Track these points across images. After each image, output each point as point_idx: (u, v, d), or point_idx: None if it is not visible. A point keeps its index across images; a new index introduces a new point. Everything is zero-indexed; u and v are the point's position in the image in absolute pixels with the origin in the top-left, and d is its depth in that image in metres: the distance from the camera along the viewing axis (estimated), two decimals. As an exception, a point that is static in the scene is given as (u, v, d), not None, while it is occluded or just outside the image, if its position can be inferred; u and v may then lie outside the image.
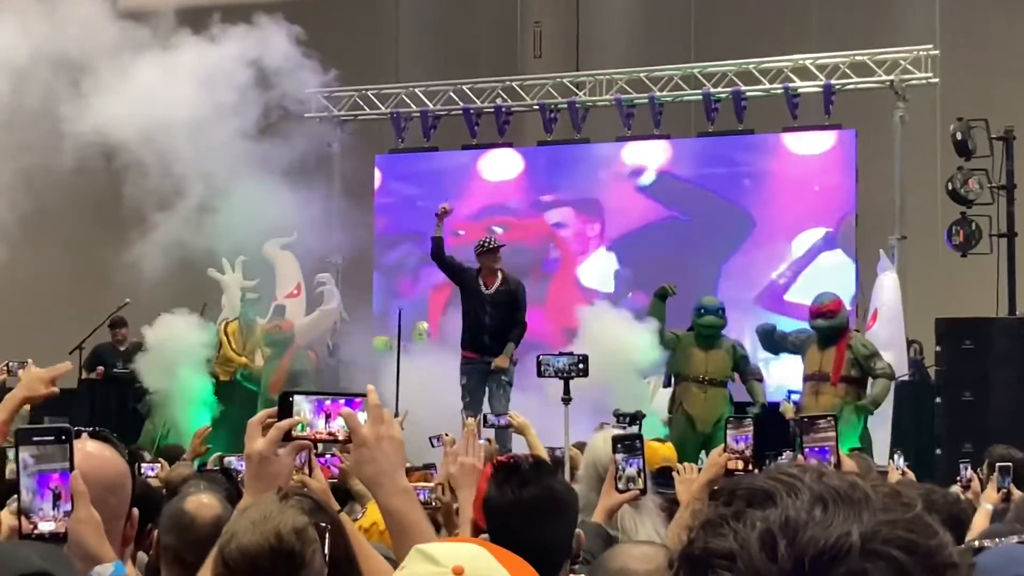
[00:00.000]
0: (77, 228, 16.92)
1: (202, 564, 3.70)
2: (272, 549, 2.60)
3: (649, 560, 2.77)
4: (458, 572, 2.00)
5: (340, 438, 2.84)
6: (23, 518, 2.66)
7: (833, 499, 1.23)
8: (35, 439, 2.70)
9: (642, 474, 4.62)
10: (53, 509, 2.68)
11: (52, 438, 2.70)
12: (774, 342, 13.46)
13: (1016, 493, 7.08)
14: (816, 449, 4.84)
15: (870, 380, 12.74)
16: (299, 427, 2.81)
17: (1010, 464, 7.36)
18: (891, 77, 16.27)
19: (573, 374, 11.16)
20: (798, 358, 13.19)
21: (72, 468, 2.69)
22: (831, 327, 12.69)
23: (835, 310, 12.76)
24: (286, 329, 15.82)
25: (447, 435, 9.77)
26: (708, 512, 1.27)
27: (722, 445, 5.22)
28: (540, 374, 11.26)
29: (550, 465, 3.50)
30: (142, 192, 14.85)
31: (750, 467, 5.28)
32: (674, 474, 6.09)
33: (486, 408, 13.23)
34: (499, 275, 13.67)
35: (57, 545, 2.66)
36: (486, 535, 3.39)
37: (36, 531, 2.67)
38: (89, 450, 2.99)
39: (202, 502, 4.05)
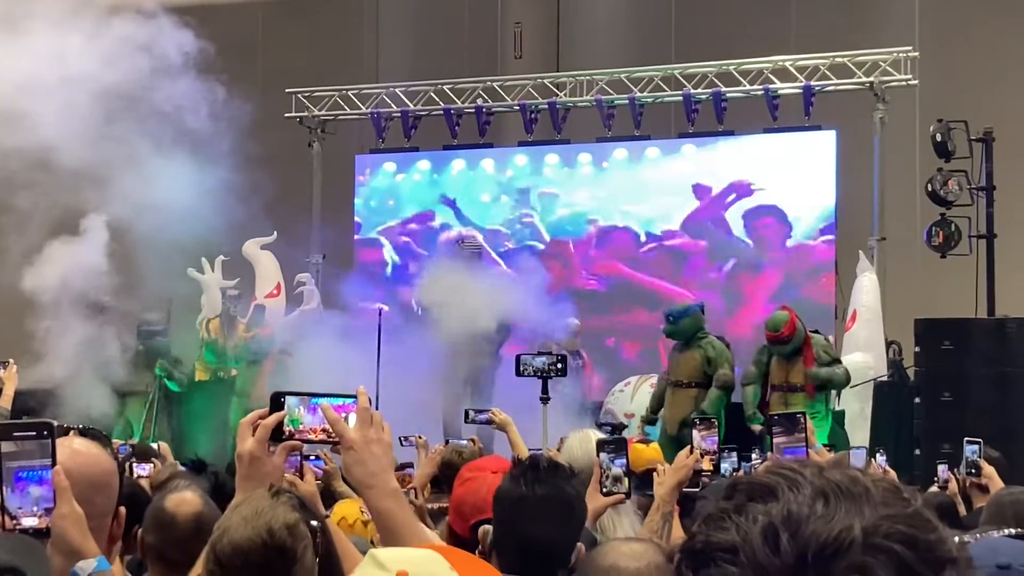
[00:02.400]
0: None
1: (185, 561, 3.71)
2: (264, 544, 2.61)
3: (639, 557, 2.77)
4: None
5: (332, 438, 2.84)
6: (4, 514, 2.65)
7: (835, 493, 1.23)
8: (16, 435, 2.69)
9: (627, 475, 4.63)
10: (35, 505, 2.68)
11: (34, 433, 2.69)
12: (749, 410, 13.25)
13: (992, 477, 7.16)
14: (795, 449, 4.85)
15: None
16: (291, 423, 2.81)
17: (979, 440, 7.46)
18: (871, 79, 16.33)
19: (552, 373, 11.22)
20: None
21: (54, 464, 2.69)
22: (790, 351, 12.73)
23: (790, 335, 12.74)
24: (266, 336, 15.72)
25: (420, 437, 9.81)
26: (710, 506, 1.28)
27: (688, 447, 5.24)
28: (519, 373, 11.32)
29: (569, 470, 3.52)
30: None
31: (717, 469, 5.31)
32: (654, 475, 6.12)
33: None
34: None
35: (40, 541, 2.66)
36: (487, 527, 3.40)
37: (18, 527, 2.67)
38: (76, 447, 2.98)
39: (183, 499, 4.04)
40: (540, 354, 11.51)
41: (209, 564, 2.63)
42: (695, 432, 5.24)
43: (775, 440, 4.94)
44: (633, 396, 15.23)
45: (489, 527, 3.44)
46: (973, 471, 7.29)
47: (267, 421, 2.81)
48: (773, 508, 1.23)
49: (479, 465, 3.82)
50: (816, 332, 13.10)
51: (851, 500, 1.23)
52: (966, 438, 7.54)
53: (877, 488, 1.25)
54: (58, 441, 2.73)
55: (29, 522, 2.67)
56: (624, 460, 4.69)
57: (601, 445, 4.78)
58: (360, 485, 2.82)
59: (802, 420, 4.98)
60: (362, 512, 5.93)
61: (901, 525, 1.22)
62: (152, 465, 8.51)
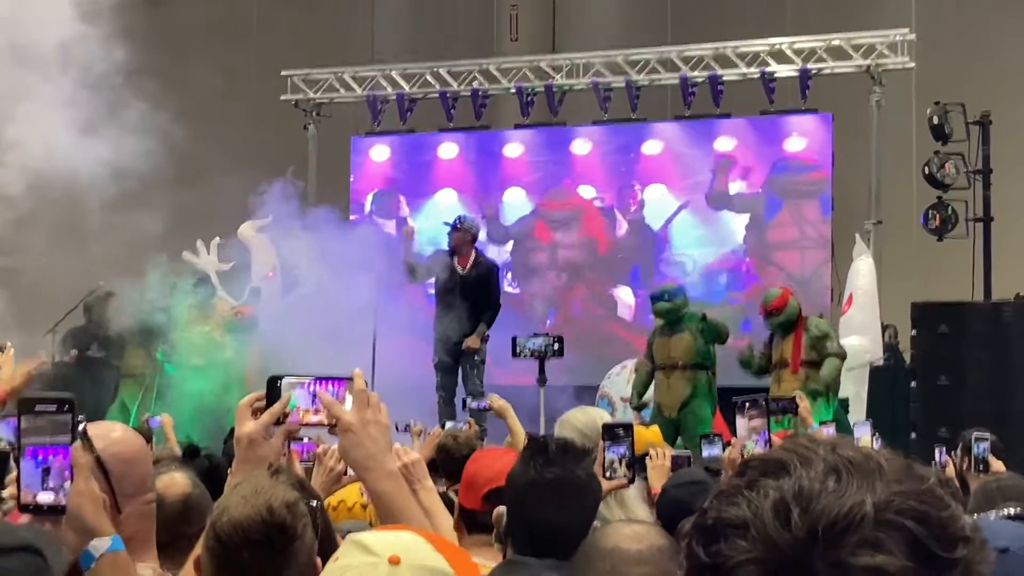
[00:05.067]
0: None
1: (171, 543, 3.71)
2: (264, 522, 2.60)
3: (640, 538, 2.76)
4: (394, 562, 1.98)
5: (328, 422, 2.84)
6: (22, 489, 2.64)
7: (847, 469, 1.22)
8: (37, 408, 2.68)
9: (624, 461, 4.59)
10: (52, 481, 2.67)
11: (54, 408, 2.68)
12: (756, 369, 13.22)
13: (995, 465, 7.16)
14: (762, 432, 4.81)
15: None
16: (291, 404, 2.81)
17: (987, 435, 7.45)
18: (867, 61, 16.30)
19: (548, 354, 11.22)
20: None
21: (74, 440, 2.68)
22: (784, 321, 12.71)
23: (780, 307, 12.72)
24: (247, 315, 15.63)
25: (415, 425, 9.80)
26: (721, 484, 1.27)
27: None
28: (515, 354, 11.30)
29: (581, 450, 3.51)
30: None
31: None
32: (647, 460, 6.11)
33: (460, 388, 13.34)
34: (472, 256, 13.76)
35: (55, 517, 2.65)
36: (501, 508, 3.38)
37: (35, 502, 2.65)
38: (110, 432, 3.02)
39: (172, 480, 4.08)
40: (536, 335, 11.49)
41: (209, 542, 2.63)
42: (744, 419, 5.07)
43: (751, 423, 4.90)
44: (630, 379, 15.20)
45: (503, 508, 3.43)
46: (982, 468, 7.28)
47: (274, 409, 2.82)
48: (785, 483, 1.22)
49: (491, 449, 3.83)
50: (820, 316, 13.15)
51: (863, 476, 1.22)
52: (975, 434, 7.50)
53: (890, 465, 1.24)
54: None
55: (45, 498, 2.66)
56: (620, 449, 4.64)
57: (604, 431, 4.76)
58: (357, 467, 2.83)
59: (761, 402, 4.94)
60: (362, 495, 5.91)
61: (913, 501, 1.21)
62: None
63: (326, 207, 15.90)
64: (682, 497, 4.95)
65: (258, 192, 15.50)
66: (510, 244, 18.09)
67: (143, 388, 15.44)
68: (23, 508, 2.66)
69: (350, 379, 2.84)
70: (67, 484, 2.66)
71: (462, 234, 13.79)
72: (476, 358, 13.48)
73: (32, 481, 2.65)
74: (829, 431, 8.63)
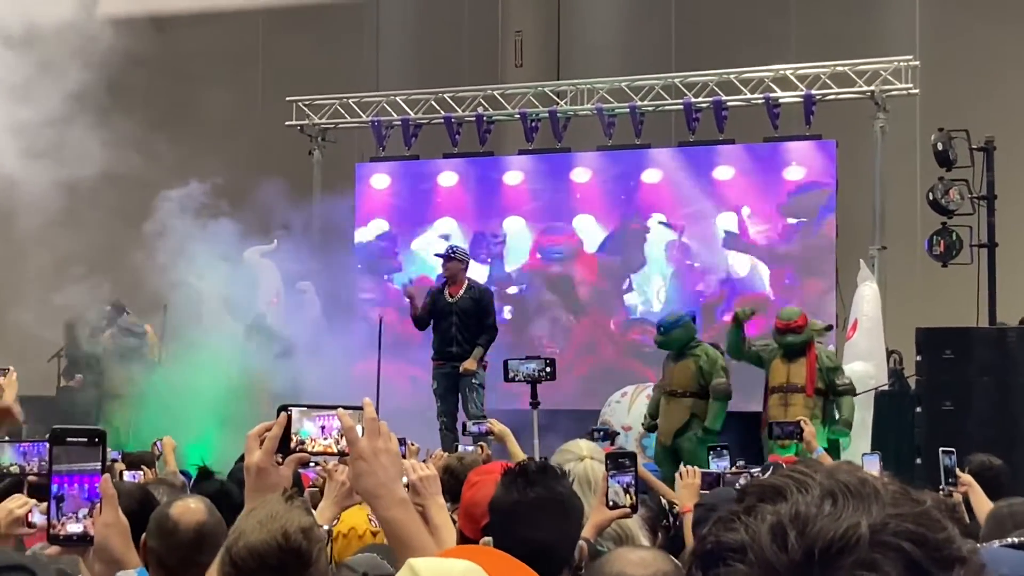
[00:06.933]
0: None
1: (182, 569, 3.71)
2: (279, 547, 2.62)
3: (647, 565, 2.76)
4: None
5: (337, 451, 2.86)
6: (51, 520, 2.66)
7: (843, 493, 1.24)
8: (69, 440, 2.69)
9: (630, 491, 4.59)
10: (81, 512, 2.68)
11: (85, 440, 2.70)
12: (739, 343, 13.14)
13: (971, 485, 7.14)
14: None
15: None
16: (301, 433, 2.82)
17: (952, 449, 7.44)
18: (871, 88, 16.33)
19: (541, 378, 11.19)
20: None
21: (104, 471, 2.69)
22: (801, 342, 12.69)
23: (803, 325, 12.73)
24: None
25: (412, 444, 9.81)
26: (721, 510, 1.29)
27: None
28: (508, 379, 11.27)
29: (557, 470, 3.53)
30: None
31: None
32: (676, 476, 6.13)
33: (461, 413, 13.34)
34: (464, 283, 13.82)
35: (84, 547, 2.66)
36: (487, 539, 3.40)
37: (64, 532, 2.66)
38: None
39: (187, 507, 4.05)
40: (529, 359, 11.47)
41: (225, 567, 2.64)
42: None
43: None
44: (630, 407, 15.21)
45: (489, 538, 3.43)
46: (951, 480, 7.28)
47: (273, 432, 2.83)
48: (782, 508, 1.24)
49: (487, 469, 3.82)
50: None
51: (860, 499, 1.24)
52: (942, 448, 7.50)
53: (887, 490, 1.26)
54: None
55: (73, 528, 2.67)
56: (625, 478, 4.63)
57: (607, 460, 4.75)
58: (368, 495, 2.85)
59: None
60: (370, 521, 5.91)
61: (909, 523, 1.23)
62: (142, 472, 8.54)
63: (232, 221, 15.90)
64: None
65: (165, 199, 15.36)
66: (513, 286, 18.11)
67: (129, 409, 15.40)
68: (52, 540, 2.67)
69: (360, 408, 2.86)
70: (95, 514, 2.67)
71: (456, 263, 13.85)
72: (475, 381, 13.49)
73: (61, 511, 2.67)
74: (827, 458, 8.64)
